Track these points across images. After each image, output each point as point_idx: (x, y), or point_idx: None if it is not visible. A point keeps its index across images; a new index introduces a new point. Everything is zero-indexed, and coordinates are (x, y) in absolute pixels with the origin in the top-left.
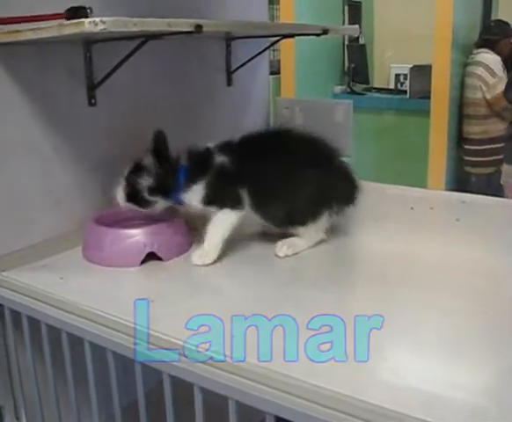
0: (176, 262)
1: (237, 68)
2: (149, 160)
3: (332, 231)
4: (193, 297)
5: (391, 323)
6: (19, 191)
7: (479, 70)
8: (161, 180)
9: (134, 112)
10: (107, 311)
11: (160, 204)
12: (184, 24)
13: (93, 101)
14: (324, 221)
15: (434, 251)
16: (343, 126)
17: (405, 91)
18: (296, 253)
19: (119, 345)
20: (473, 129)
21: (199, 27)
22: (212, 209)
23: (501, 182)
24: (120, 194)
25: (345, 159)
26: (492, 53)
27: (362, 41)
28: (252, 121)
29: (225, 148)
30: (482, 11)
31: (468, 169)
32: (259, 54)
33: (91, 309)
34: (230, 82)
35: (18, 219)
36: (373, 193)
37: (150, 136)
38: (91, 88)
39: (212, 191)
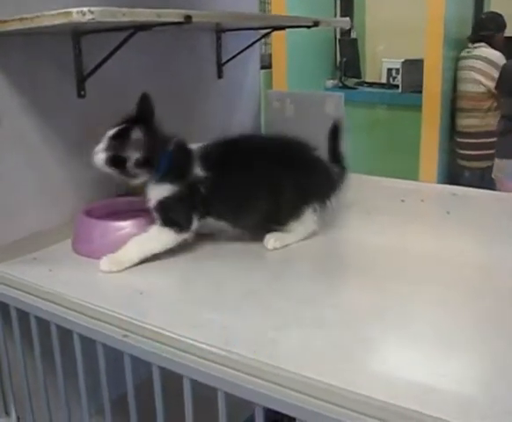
0: (164, 254)
1: (228, 60)
2: (137, 130)
3: (324, 224)
4: (182, 289)
5: (383, 316)
6: (8, 183)
7: (480, 64)
8: (149, 157)
9: (123, 104)
10: (96, 303)
11: (140, 179)
12: (173, 14)
13: (83, 93)
14: (308, 216)
15: (425, 243)
16: (334, 118)
17: (397, 86)
18: (286, 246)
19: (108, 337)
20: (470, 122)
21: (188, 18)
22: (158, 218)
23: (493, 176)
24: (100, 156)
25: (319, 154)
26: (488, 47)
27: (353, 35)
28: (243, 114)
29: (205, 155)
30: (474, 5)
31: (462, 162)
32: (250, 46)
33: (80, 301)
34: (220, 74)
35: (6, 212)
36: (365, 186)
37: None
38: (81, 80)
39: (175, 202)
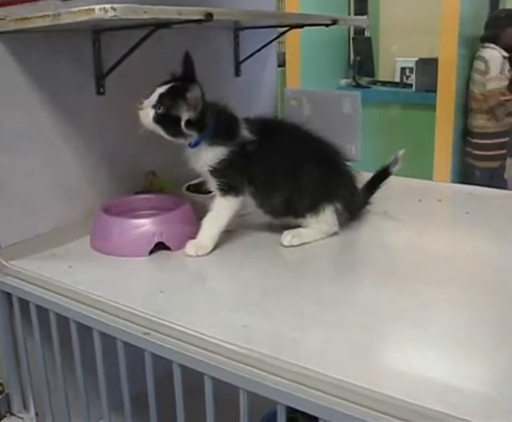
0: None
1: (246, 58)
2: (196, 88)
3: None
4: (202, 287)
5: (404, 316)
6: (28, 179)
7: (481, 65)
8: (202, 117)
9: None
10: (118, 301)
11: (188, 140)
12: (194, 12)
13: (102, 90)
14: (329, 215)
15: (444, 243)
16: (351, 117)
17: (411, 85)
18: (303, 244)
19: (129, 334)
20: (478, 123)
21: (209, 16)
22: (213, 187)
23: (505, 176)
24: (149, 112)
25: (352, 168)
26: (496, 47)
27: (367, 34)
28: (260, 112)
29: (249, 124)
30: (489, 2)
31: (473, 162)
32: (268, 44)
33: (101, 298)
34: (238, 72)
35: (26, 208)
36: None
37: None
38: (100, 77)
39: (230, 166)
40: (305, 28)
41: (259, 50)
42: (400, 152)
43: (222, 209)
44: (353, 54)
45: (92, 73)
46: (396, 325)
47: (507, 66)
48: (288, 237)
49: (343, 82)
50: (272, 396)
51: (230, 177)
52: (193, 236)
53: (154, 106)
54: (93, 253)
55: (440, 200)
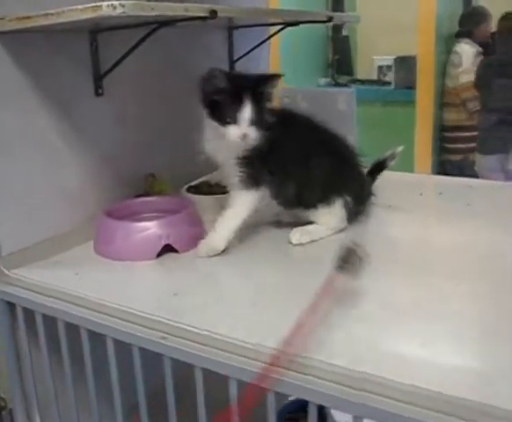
0: (193, 254)
1: (240, 57)
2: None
3: None
4: (216, 287)
5: (422, 309)
6: (28, 183)
7: (455, 58)
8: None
9: (140, 102)
10: (131, 306)
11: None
12: (199, 9)
13: (100, 91)
14: (338, 208)
15: (452, 235)
16: (346, 114)
17: (389, 83)
18: (313, 241)
19: (146, 340)
20: (450, 116)
21: (214, 13)
22: (234, 180)
23: (475, 168)
24: (247, 115)
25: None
26: (470, 42)
27: (345, 33)
28: None
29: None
30: (463, 0)
31: (447, 156)
32: (262, 43)
33: (114, 304)
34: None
35: (26, 214)
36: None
37: (157, 126)
38: (98, 78)
39: (255, 155)
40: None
41: (253, 49)
42: (399, 148)
43: (242, 204)
44: (331, 53)
45: (91, 74)
46: (417, 318)
47: (478, 61)
48: (296, 235)
49: (322, 81)
50: (302, 395)
51: (256, 167)
52: (200, 237)
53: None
54: (98, 258)
55: (441, 193)
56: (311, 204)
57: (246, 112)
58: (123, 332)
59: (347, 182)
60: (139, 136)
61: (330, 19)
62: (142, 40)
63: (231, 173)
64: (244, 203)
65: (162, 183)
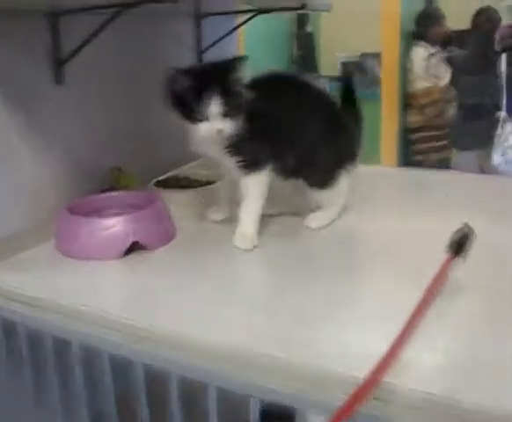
0: (162, 251)
1: (208, 47)
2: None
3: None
4: (189, 286)
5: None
6: None
7: (408, 65)
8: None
9: (105, 91)
10: (100, 308)
11: None
12: None
13: (61, 79)
14: (342, 182)
15: (443, 227)
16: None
17: None
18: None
19: (117, 345)
20: (412, 118)
21: None
22: (236, 169)
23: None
24: (215, 110)
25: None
26: (424, 44)
27: (309, 29)
28: None
29: (252, 83)
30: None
31: (413, 157)
32: (232, 31)
33: (82, 306)
34: (201, 61)
35: None
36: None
37: (123, 117)
38: (59, 64)
39: (243, 138)
40: (249, 23)
41: (222, 38)
42: None
43: (253, 189)
44: (295, 50)
45: (51, 60)
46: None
47: (434, 63)
48: (315, 220)
49: None
50: (292, 403)
51: (250, 149)
52: (171, 234)
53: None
54: (61, 258)
55: (420, 186)
56: (314, 174)
57: (214, 106)
58: (91, 337)
59: (345, 148)
60: (103, 127)
61: (303, 6)
62: (106, 24)
63: (228, 164)
64: (255, 188)
65: (128, 177)
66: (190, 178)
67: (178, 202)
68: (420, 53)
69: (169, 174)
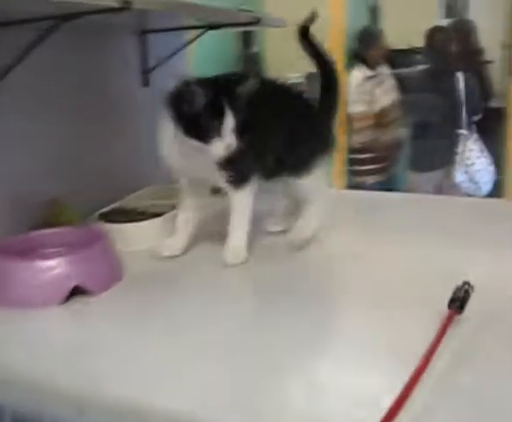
0: (108, 296)
1: (155, 66)
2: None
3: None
4: (135, 340)
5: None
6: None
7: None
8: None
9: (40, 116)
10: (34, 370)
11: None
12: None
13: None
14: (319, 171)
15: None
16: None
17: None
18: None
19: (56, 416)
20: (352, 140)
21: (127, 3)
22: (223, 184)
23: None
24: (230, 126)
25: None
26: (361, 67)
27: (255, 49)
28: None
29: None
30: (369, 20)
31: (356, 178)
32: (183, 48)
33: (12, 368)
34: (146, 82)
35: None
36: None
37: (60, 143)
38: None
39: (237, 155)
40: (198, 42)
41: (170, 57)
42: None
43: (241, 204)
44: (242, 70)
45: None
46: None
47: (369, 87)
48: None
49: None
50: None
51: (240, 162)
52: (118, 274)
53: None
54: None
55: (374, 208)
56: (294, 166)
57: (229, 123)
58: (26, 405)
59: (320, 137)
60: (38, 156)
61: (258, 21)
62: (40, 39)
63: (216, 181)
64: (243, 202)
65: (68, 210)
66: (137, 209)
67: (125, 237)
68: (356, 76)
69: (113, 205)
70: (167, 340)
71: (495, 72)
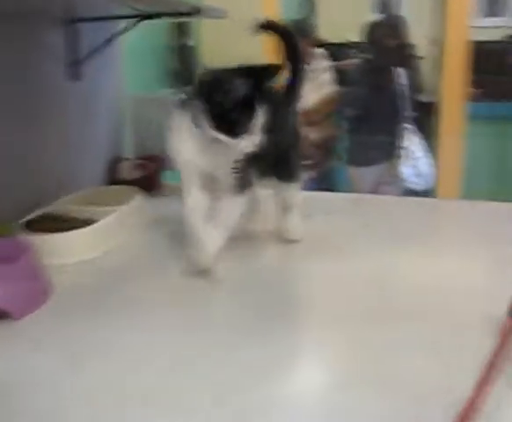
0: (32, 320)
1: (85, 58)
2: None
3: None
4: (73, 376)
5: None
6: None
7: None
8: None
9: None
10: None
11: None
12: None
13: None
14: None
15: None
16: None
17: None
18: None
19: None
20: None
21: None
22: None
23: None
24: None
25: None
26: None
27: (190, 43)
28: (103, 121)
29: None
30: (305, 14)
31: None
32: (114, 38)
33: None
34: (76, 76)
35: None
36: None
37: None
38: None
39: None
40: (127, 35)
41: (101, 48)
42: None
43: (234, 210)
44: (175, 63)
45: None
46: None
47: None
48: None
49: (166, 92)
50: None
51: (251, 164)
52: (42, 294)
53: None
54: None
55: (329, 214)
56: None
57: (260, 118)
58: None
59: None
60: None
61: (198, 11)
62: None
63: (223, 179)
64: (237, 209)
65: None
66: (67, 215)
67: (53, 248)
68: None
69: (39, 212)
70: (111, 379)
71: (424, 68)
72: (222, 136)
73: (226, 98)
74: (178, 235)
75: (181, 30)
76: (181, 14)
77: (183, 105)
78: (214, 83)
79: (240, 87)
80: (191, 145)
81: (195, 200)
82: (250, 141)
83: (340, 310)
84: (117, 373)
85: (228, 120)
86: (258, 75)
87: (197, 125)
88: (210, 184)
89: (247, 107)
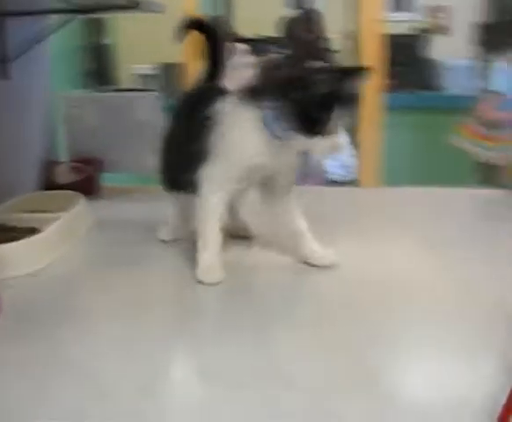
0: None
1: (15, 55)
2: None
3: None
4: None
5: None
6: None
7: None
8: None
9: None
10: None
11: None
12: None
13: None
14: None
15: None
16: (149, 123)
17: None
18: None
19: None
20: None
21: None
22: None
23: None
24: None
25: None
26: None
27: (106, 41)
28: (35, 122)
29: None
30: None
31: None
32: (43, 37)
33: None
34: (5, 74)
35: None
36: None
37: None
38: None
39: None
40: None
41: (30, 44)
42: None
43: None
44: (90, 62)
45: None
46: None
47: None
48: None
49: (78, 93)
50: None
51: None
52: None
53: None
54: None
55: None
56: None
57: (339, 118)
58: None
59: None
60: None
61: (136, 5)
62: None
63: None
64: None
65: None
66: (4, 225)
67: (12, 259)
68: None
69: None
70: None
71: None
72: (294, 135)
73: (308, 96)
74: (124, 241)
75: (97, 28)
76: (119, 8)
77: (247, 101)
78: (294, 77)
79: (325, 83)
80: (256, 143)
81: (218, 202)
82: (328, 144)
83: None
84: (59, 387)
85: (309, 119)
86: (343, 75)
87: (266, 122)
88: (264, 185)
89: (327, 107)
